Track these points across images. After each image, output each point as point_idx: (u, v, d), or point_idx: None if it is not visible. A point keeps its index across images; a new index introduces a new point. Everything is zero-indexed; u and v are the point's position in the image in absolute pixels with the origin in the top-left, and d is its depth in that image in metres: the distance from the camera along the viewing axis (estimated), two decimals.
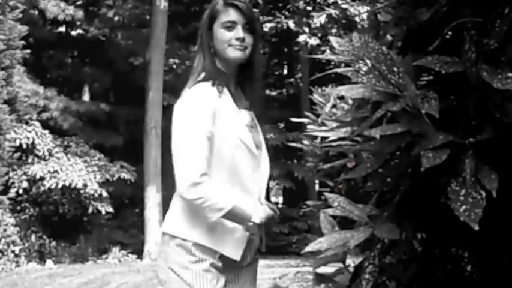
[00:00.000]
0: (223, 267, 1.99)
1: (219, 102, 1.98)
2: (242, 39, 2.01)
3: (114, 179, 14.14)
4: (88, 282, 9.49)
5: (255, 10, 2.06)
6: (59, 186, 12.81)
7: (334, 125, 1.81)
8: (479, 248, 1.29)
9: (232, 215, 1.91)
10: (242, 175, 2.00)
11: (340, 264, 1.63)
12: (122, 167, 14.51)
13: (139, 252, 13.87)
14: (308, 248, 1.34)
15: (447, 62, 1.24)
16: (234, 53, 2.02)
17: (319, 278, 1.34)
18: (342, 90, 1.41)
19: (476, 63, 1.24)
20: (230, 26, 2.01)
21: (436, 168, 1.16)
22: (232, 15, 2.01)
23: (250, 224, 1.94)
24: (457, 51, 1.29)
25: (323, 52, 13.55)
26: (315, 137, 3.72)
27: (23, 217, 12.90)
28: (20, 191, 12.73)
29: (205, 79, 2.02)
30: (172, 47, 15.95)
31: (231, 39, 2.01)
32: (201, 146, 1.92)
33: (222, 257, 1.98)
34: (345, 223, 1.57)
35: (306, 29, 15.26)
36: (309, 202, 4.52)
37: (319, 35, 15.18)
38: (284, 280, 1.28)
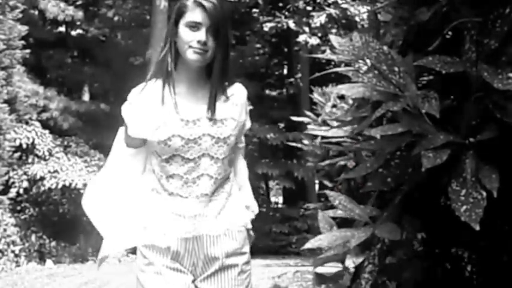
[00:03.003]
0: (185, 270, 1.97)
1: (145, 102, 1.98)
2: (203, 43, 1.90)
3: None
4: (88, 282, 9.49)
5: (228, 10, 1.96)
6: (59, 186, 12.81)
7: (335, 124, 1.81)
8: (479, 248, 1.29)
9: None
10: (177, 165, 1.98)
11: (340, 264, 1.63)
12: None
13: None
14: (308, 245, 1.33)
15: (447, 62, 1.24)
16: (192, 56, 1.92)
17: (320, 278, 1.34)
18: (343, 89, 1.41)
19: (477, 63, 1.24)
20: (194, 26, 1.91)
21: (436, 168, 1.15)
22: (198, 15, 1.91)
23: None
24: (458, 51, 1.28)
25: (323, 52, 13.55)
26: (315, 137, 3.72)
27: (23, 217, 12.89)
28: (20, 191, 12.72)
29: (151, 77, 2.01)
30: None
31: (192, 40, 1.91)
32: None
33: (177, 258, 1.96)
34: (343, 223, 1.57)
35: (306, 29, 15.26)
36: (309, 204, 4.53)
37: (319, 34, 15.19)
38: (283, 279, 1.27)
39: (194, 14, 1.91)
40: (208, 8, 1.90)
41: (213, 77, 1.98)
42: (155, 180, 2.03)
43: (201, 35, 1.90)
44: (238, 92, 2.05)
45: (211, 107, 1.98)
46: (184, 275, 1.98)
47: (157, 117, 1.98)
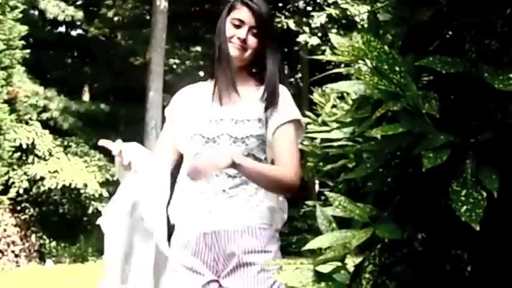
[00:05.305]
0: (201, 271, 1.96)
1: (185, 100, 2.13)
2: (243, 40, 2.01)
3: (115, 179, 14.13)
4: (88, 282, 9.48)
5: (272, 13, 2.06)
6: (59, 186, 12.81)
7: (335, 125, 1.81)
8: (479, 248, 1.29)
9: None
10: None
11: (340, 264, 1.63)
12: None
13: None
14: (308, 246, 1.33)
15: (447, 62, 1.24)
16: (232, 50, 2.02)
17: (320, 276, 1.34)
18: (343, 86, 1.41)
19: (477, 64, 1.24)
20: (238, 24, 2.02)
21: (436, 169, 1.15)
22: (243, 13, 2.02)
23: None
24: (458, 51, 1.29)
25: (323, 52, 13.55)
26: (315, 137, 3.72)
27: (23, 217, 12.89)
28: (20, 191, 12.73)
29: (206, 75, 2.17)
30: (172, 47, 15.96)
31: (233, 36, 2.02)
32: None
33: (198, 253, 1.97)
34: (342, 222, 1.57)
35: (306, 29, 15.25)
36: (309, 202, 4.52)
37: (319, 34, 15.18)
38: (283, 276, 1.27)
39: (240, 12, 2.03)
40: (254, 8, 2.01)
41: (266, 80, 2.03)
42: (183, 178, 2.09)
43: (242, 32, 2.01)
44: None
45: (271, 108, 2.00)
46: (199, 276, 1.97)
47: (187, 115, 2.08)
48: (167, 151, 2.12)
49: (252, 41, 2.02)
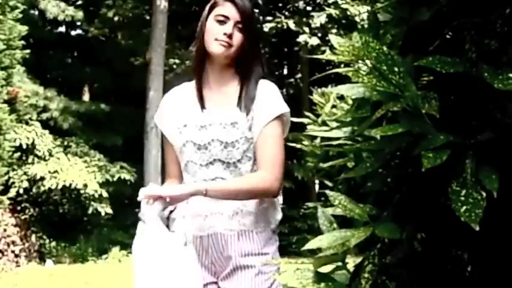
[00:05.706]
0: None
1: (172, 105, 2.10)
2: (229, 36, 1.93)
3: (114, 179, 14.14)
4: (88, 282, 9.49)
5: (255, 10, 2.01)
6: (59, 186, 12.81)
7: (334, 125, 1.81)
8: (479, 248, 1.29)
9: None
10: (193, 170, 2.00)
11: (340, 263, 1.63)
12: (121, 167, 14.51)
13: None
14: (308, 246, 1.33)
15: (447, 62, 1.24)
16: (216, 48, 1.95)
17: (320, 276, 1.34)
18: (342, 89, 1.41)
19: (477, 64, 1.24)
20: (222, 20, 1.95)
21: (436, 169, 1.15)
22: (227, 9, 1.95)
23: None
24: (458, 51, 1.29)
25: (323, 52, 13.55)
26: (315, 137, 3.72)
27: (23, 217, 12.88)
28: (20, 191, 12.72)
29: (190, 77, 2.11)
30: (172, 47, 15.95)
31: (218, 33, 1.95)
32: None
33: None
34: (343, 222, 1.57)
35: (306, 29, 15.25)
36: (309, 204, 4.52)
37: (319, 35, 15.18)
38: (283, 276, 1.26)
39: (223, 8, 1.96)
40: (237, 3, 1.95)
41: (242, 73, 2.00)
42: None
43: (228, 27, 1.94)
44: (258, 91, 1.99)
45: (245, 106, 1.96)
46: None
47: (176, 122, 2.05)
48: (176, 166, 2.11)
49: (238, 37, 1.95)
